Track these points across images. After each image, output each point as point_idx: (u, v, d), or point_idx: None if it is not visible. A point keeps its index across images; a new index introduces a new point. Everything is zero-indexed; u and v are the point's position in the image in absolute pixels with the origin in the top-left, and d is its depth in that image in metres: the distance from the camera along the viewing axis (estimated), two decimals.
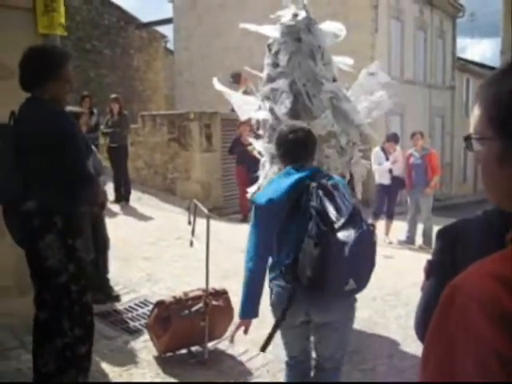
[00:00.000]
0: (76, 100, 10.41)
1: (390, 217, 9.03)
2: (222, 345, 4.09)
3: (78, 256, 3.00)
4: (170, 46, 20.41)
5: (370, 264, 2.62)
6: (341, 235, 2.43)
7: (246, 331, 2.83)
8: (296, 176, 2.69)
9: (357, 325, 4.65)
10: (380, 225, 8.89)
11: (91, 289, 4.01)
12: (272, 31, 4.53)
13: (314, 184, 2.59)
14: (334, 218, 2.47)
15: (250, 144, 9.68)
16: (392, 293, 5.57)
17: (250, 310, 2.76)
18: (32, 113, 2.94)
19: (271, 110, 4.30)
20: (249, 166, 9.72)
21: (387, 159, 8.84)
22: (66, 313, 2.96)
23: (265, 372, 3.75)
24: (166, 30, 20.89)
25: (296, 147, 2.83)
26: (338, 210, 2.51)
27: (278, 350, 4.08)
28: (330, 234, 2.43)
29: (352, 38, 15.45)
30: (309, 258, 2.43)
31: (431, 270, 1.46)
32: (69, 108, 4.95)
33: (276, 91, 4.37)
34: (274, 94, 4.39)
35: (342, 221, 2.47)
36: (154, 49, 20.16)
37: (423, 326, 1.43)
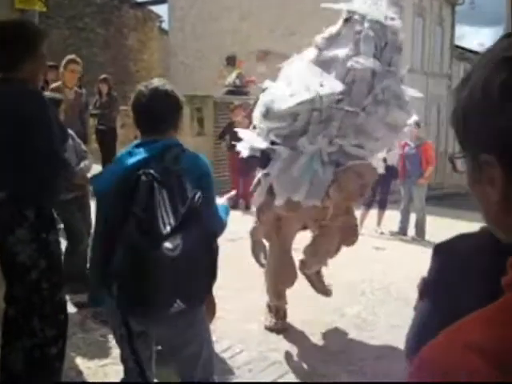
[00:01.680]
0: None
1: (383, 207, 8.87)
2: None
3: (51, 251, 2.81)
4: (166, 26, 20.08)
5: (208, 277, 2.22)
6: (166, 247, 1.97)
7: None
8: (132, 161, 2.15)
9: (345, 322, 4.53)
10: (372, 215, 8.75)
11: (70, 278, 3.85)
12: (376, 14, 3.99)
13: (144, 178, 2.04)
14: (160, 224, 1.98)
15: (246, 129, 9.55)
16: (382, 287, 5.44)
17: (92, 298, 2.45)
18: (3, 94, 2.74)
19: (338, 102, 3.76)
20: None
21: None
22: (37, 311, 2.78)
23: (246, 371, 3.61)
24: (161, 10, 20.54)
25: (144, 116, 2.29)
26: (172, 209, 2.02)
27: (263, 347, 3.96)
28: (151, 246, 1.98)
29: None
30: (126, 276, 2.03)
31: (426, 289, 1.29)
32: (49, 94, 4.74)
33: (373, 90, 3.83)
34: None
35: (173, 225, 2.00)
36: (149, 28, 19.80)
37: (414, 353, 1.27)
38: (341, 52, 3.89)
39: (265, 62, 15.51)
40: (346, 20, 4.04)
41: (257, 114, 4.02)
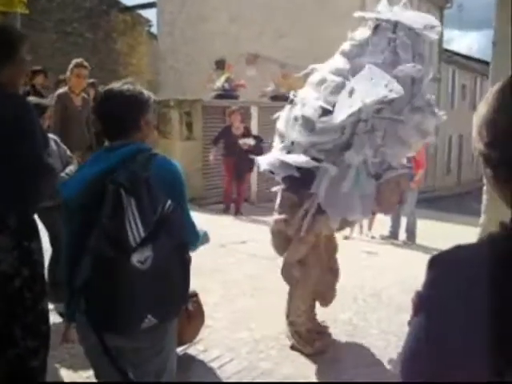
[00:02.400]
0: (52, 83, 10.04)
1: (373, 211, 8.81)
2: (193, 349, 3.85)
3: (34, 259, 2.71)
4: (154, 30, 20.00)
5: (180, 289, 2.13)
6: (136, 259, 1.87)
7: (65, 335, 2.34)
8: (98, 167, 2.03)
9: (336, 329, 4.45)
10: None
11: (55, 286, 3.75)
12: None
13: (111, 186, 1.91)
14: (129, 234, 1.87)
15: (243, 135, 9.46)
16: (374, 293, 5.36)
17: (67, 313, 2.28)
18: None
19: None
20: (238, 159, 9.49)
21: None
22: (19, 321, 2.69)
23: (236, 381, 3.52)
24: (150, 14, 20.48)
25: (107, 121, 2.18)
26: (142, 219, 1.89)
27: (253, 356, 3.88)
28: (120, 259, 1.88)
29: (339, 24, 15.13)
30: (94, 290, 1.94)
31: (421, 304, 1.21)
32: (35, 99, 4.64)
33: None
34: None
35: (142, 236, 1.89)
36: (138, 33, 19.70)
37: (410, 372, 1.20)
38: (377, 60, 3.76)
39: (254, 65, 15.48)
40: (376, 27, 3.94)
41: (295, 128, 3.77)
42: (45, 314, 2.84)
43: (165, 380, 2.23)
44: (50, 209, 3.97)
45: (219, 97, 11.40)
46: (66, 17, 16.79)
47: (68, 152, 4.49)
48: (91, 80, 9.66)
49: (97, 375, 2.25)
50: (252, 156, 4.42)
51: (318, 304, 4.53)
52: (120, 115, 2.14)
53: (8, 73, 2.68)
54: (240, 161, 9.39)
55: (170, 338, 2.22)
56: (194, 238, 2.25)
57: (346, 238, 8.44)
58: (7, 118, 2.56)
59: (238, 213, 10.07)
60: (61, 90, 6.50)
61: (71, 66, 6.29)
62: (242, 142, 9.40)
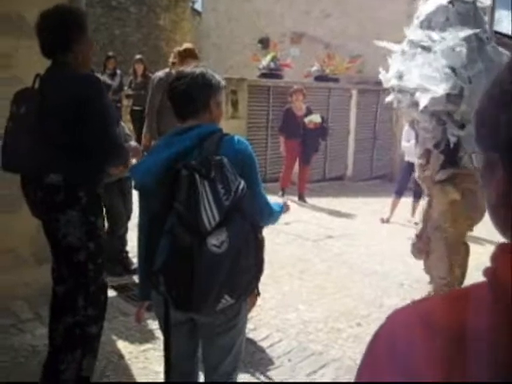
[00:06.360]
0: (100, 60, 10.20)
1: (418, 196, 8.72)
2: None
3: (99, 234, 2.85)
4: (198, 6, 19.96)
5: (255, 269, 2.14)
6: (211, 243, 1.91)
7: (137, 314, 2.49)
8: (171, 151, 2.10)
9: (382, 313, 4.47)
10: (405, 204, 8.61)
11: (108, 260, 3.90)
12: None
13: (184, 171, 1.96)
14: (205, 219, 1.91)
15: (305, 115, 9.05)
16: (420, 279, 5.35)
17: (140, 292, 2.41)
18: (57, 78, 2.72)
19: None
20: (304, 141, 8.86)
21: None
22: (82, 291, 2.84)
23: (286, 361, 3.59)
24: None
25: (178, 100, 2.23)
26: (216, 202, 1.93)
27: (302, 337, 3.94)
28: (196, 243, 1.92)
29: (387, 6, 14.80)
30: (172, 272, 1.99)
31: None
32: (101, 78, 4.73)
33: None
34: None
35: (217, 219, 1.93)
36: (182, 9, 19.68)
37: None
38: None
39: (298, 44, 15.33)
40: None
41: None
42: (104, 286, 2.97)
43: (232, 356, 2.32)
44: (108, 185, 4.09)
45: (263, 76, 11.35)
46: None
47: (126, 129, 4.59)
48: (139, 56, 9.80)
49: (174, 350, 2.29)
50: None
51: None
52: (191, 94, 2.20)
53: (77, 53, 2.76)
54: (306, 142, 8.86)
55: (243, 316, 2.30)
56: (268, 216, 2.30)
57: (385, 220, 8.42)
58: (80, 97, 2.63)
59: (301, 199, 9.19)
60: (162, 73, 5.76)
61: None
62: (307, 119, 8.80)
